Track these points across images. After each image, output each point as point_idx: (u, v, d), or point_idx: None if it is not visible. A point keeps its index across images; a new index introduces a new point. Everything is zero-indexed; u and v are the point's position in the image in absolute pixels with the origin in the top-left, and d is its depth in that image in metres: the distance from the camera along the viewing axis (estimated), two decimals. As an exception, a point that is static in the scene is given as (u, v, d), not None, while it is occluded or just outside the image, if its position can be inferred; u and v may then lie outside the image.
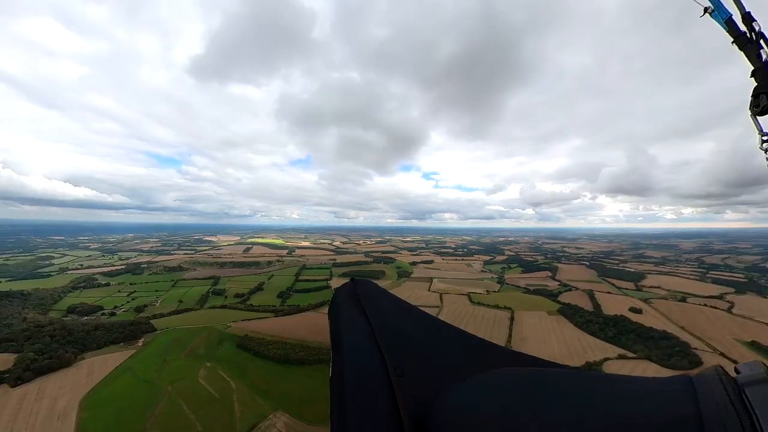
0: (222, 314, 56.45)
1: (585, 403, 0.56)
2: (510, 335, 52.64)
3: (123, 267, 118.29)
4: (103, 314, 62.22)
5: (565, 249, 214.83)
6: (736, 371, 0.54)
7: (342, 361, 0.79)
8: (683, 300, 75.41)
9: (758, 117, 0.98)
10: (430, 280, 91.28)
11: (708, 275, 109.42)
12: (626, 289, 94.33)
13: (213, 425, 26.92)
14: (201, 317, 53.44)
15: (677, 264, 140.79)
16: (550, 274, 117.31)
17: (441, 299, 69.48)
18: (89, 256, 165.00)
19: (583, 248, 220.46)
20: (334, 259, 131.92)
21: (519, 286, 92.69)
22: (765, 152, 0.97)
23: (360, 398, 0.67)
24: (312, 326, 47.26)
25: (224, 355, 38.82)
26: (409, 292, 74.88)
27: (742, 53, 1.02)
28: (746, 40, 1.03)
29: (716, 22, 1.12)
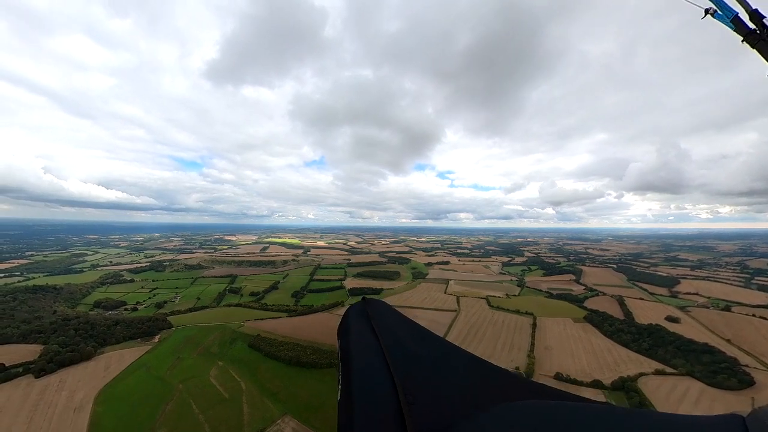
0: (236, 312, 56.85)
1: None
2: (532, 343, 49.47)
3: (148, 264, 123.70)
4: (125, 309, 64.48)
5: (589, 250, 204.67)
6: None
7: (351, 383, 0.77)
8: (727, 309, 68.67)
9: None
10: (446, 281, 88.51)
11: (753, 281, 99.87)
12: (660, 295, 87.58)
13: (221, 427, 26.31)
14: (216, 315, 54.00)
15: (716, 268, 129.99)
16: (573, 277, 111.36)
17: (458, 302, 66.89)
18: (118, 253, 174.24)
19: (608, 250, 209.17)
20: (349, 259, 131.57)
21: (540, 290, 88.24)
22: None
23: (369, 424, 0.64)
24: (324, 327, 46.42)
25: (236, 354, 38.56)
26: (424, 294, 72.71)
27: (755, 51, 0.94)
28: (758, 38, 0.96)
29: (721, 23, 1.03)
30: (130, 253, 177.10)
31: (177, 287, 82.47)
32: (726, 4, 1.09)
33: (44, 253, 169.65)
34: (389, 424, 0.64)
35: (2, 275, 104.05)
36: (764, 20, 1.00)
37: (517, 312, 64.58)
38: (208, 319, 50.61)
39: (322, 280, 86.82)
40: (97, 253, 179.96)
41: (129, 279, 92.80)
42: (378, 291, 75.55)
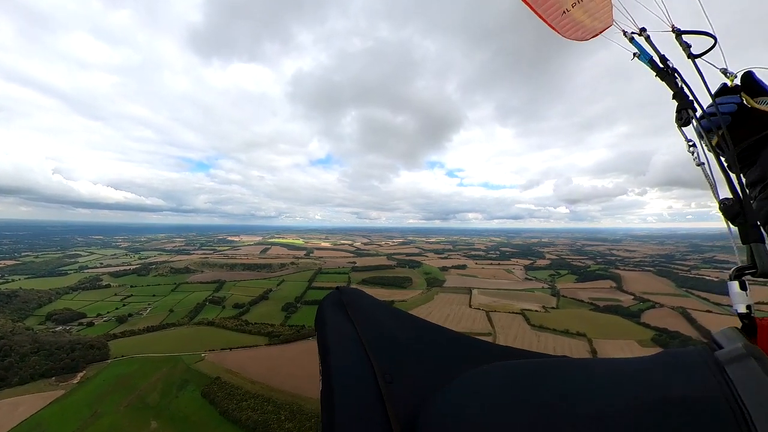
0: (205, 335, 44.50)
1: (575, 390, 0.56)
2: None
3: (138, 266, 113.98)
4: (80, 323, 53.26)
5: (613, 252, 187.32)
6: (715, 342, 0.55)
7: (329, 371, 0.77)
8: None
9: (683, 128, 1.25)
10: (469, 291, 74.72)
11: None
12: (725, 305, 72.45)
13: None
14: (177, 339, 41.89)
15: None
16: (613, 284, 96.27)
17: (490, 320, 53.35)
18: (114, 254, 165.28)
19: (634, 251, 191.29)
20: (354, 263, 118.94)
21: (581, 301, 73.91)
22: (692, 155, 1.17)
23: (349, 408, 0.66)
24: (312, 366, 33.78)
25: (181, 408, 26.16)
26: (446, 309, 59.32)
27: (663, 83, 1.43)
28: (665, 74, 1.45)
29: (642, 63, 1.58)
30: (126, 254, 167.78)
31: (154, 295, 71.13)
32: (645, 50, 1.60)
33: (37, 253, 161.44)
34: (370, 406, 0.66)
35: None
36: (668, 62, 1.48)
37: (566, 333, 50.79)
38: (164, 346, 38.56)
39: (322, 289, 74.12)
40: (93, 254, 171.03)
41: (105, 284, 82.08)
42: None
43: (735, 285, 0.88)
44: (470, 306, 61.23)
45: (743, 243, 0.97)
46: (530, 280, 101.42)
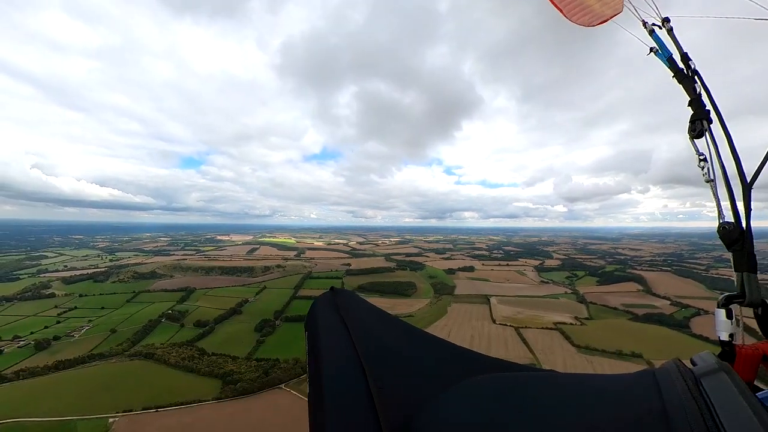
0: (135, 377, 32.08)
1: (563, 405, 0.57)
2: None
3: (102, 270, 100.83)
4: None
5: (618, 250, 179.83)
6: (692, 362, 0.60)
7: (321, 375, 0.77)
8: None
9: (695, 140, 1.16)
10: (486, 299, 63.58)
11: None
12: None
13: None
14: (88, 385, 29.49)
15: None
16: (639, 287, 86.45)
17: (524, 340, 41.94)
18: (85, 255, 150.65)
19: (639, 249, 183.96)
20: (349, 264, 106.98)
21: (614, 308, 63.47)
22: (701, 169, 1.11)
23: (340, 414, 0.66)
24: None
25: None
26: (466, 327, 47.33)
27: (680, 86, 1.28)
28: (684, 76, 1.28)
29: (659, 60, 1.43)
30: (99, 256, 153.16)
31: (103, 307, 58.16)
32: (664, 45, 1.42)
33: (0, 255, 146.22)
34: (360, 410, 0.65)
35: None
36: (690, 62, 1.31)
37: (620, 355, 39.76)
38: (63, 399, 26.14)
39: (309, 298, 61.98)
40: (62, 255, 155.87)
41: (50, 293, 68.65)
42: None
43: (722, 313, 0.89)
44: (494, 321, 49.78)
45: (736, 270, 0.95)
46: (547, 283, 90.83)
